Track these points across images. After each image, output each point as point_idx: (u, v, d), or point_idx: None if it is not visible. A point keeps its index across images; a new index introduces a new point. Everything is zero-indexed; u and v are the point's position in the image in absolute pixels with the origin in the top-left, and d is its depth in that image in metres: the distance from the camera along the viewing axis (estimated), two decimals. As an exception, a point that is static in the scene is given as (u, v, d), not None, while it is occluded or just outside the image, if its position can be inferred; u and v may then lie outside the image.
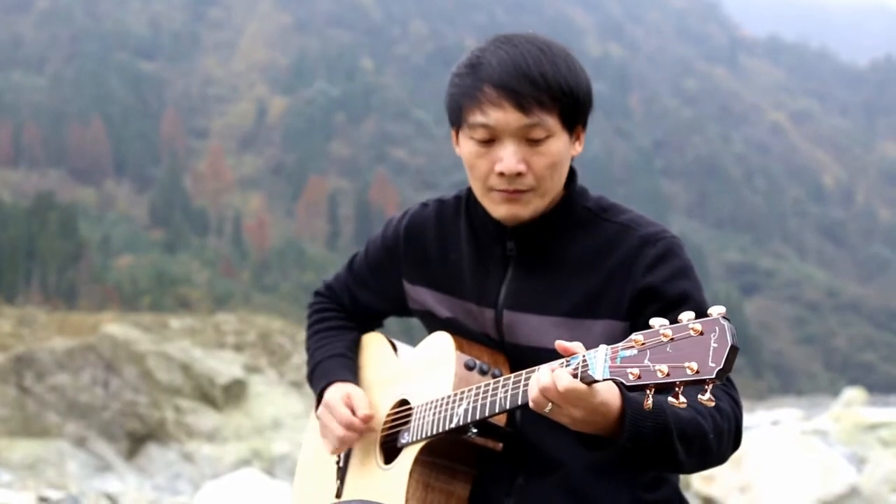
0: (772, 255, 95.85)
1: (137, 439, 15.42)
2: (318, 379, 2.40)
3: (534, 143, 2.08)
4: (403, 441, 2.20)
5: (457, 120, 2.14)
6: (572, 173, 2.22)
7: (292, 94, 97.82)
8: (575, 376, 1.80)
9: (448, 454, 2.16)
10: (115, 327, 17.58)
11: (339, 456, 2.38)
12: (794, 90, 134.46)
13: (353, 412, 2.29)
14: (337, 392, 2.33)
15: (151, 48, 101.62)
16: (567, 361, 1.83)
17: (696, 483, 7.54)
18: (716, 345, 1.64)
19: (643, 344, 1.71)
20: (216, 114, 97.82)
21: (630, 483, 2.14)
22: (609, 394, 1.82)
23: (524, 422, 2.14)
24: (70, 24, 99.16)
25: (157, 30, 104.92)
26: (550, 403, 1.83)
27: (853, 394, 15.70)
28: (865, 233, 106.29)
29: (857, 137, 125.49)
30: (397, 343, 2.45)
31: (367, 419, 2.27)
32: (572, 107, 2.09)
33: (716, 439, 1.96)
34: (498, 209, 2.14)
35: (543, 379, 1.82)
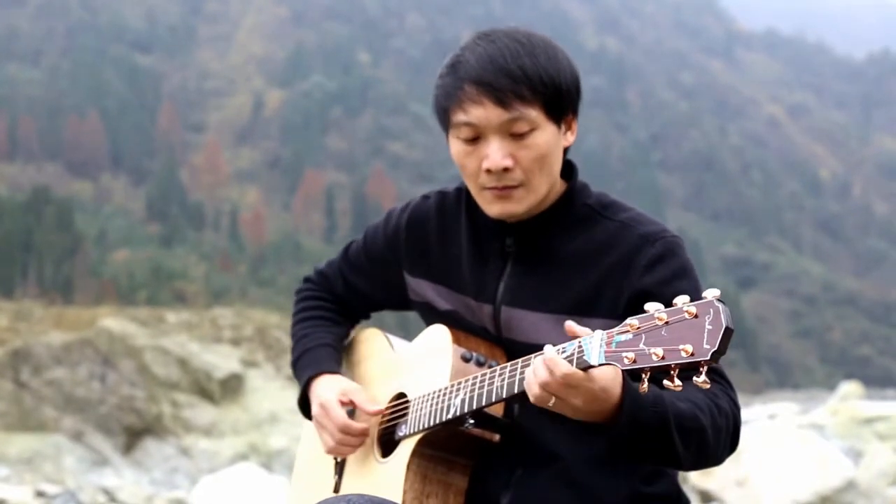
0: (768, 249, 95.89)
1: (134, 434, 15.41)
2: (305, 368, 2.38)
3: (518, 136, 2.07)
4: (401, 434, 2.20)
5: (444, 121, 2.15)
6: (573, 169, 2.22)
7: (289, 87, 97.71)
8: (570, 362, 1.80)
9: (446, 446, 2.16)
10: (112, 321, 17.55)
11: (336, 449, 2.38)
12: (790, 83, 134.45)
13: (354, 411, 2.30)
14: (331, 389, 2.31)
15: (148, 41, 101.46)
16: (563, 348, 1.83)
17: (694, 477, 7.55)
18: (710, 327, 1.65)
19: (638, 328, 1.72)
20: (213, 107, 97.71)
21: (629, 475, 2.14)
22: (610, 381, 1.82)
23: (522, 413, 2.14)
24: (66, 17, 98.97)
25: (153, 23, 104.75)
26: (553, 397, 1.82)
27: (850, 388, 15.74)
28: (862, 226, 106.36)
29: (853, 131, 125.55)
30: (393, 338, 2.44)
31: (377, 415, 2.27)
32: (555, 97, 2.08)
33: (714, 436, 1.96)
34: (491, 208, 2.14)
35: (541, 374, 1.82)
